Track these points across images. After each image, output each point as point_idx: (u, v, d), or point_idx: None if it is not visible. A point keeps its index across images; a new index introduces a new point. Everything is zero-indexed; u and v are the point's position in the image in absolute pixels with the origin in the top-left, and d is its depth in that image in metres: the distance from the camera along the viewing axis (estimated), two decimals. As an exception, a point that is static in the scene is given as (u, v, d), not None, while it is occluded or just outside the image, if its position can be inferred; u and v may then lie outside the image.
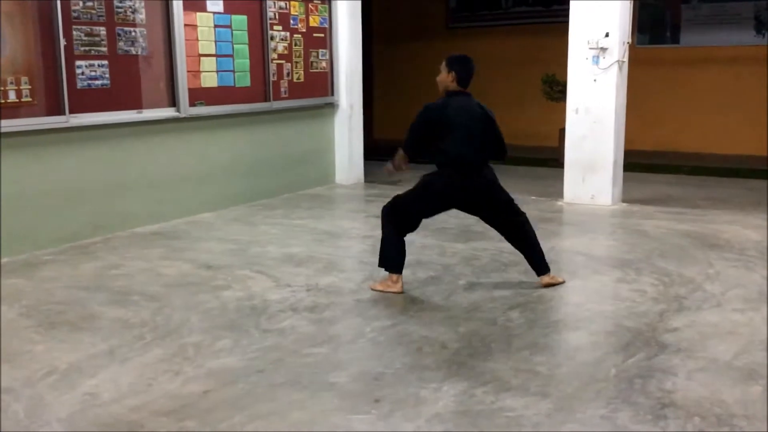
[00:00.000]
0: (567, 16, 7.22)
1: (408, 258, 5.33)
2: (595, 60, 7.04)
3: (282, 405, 3.10)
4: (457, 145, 4.45)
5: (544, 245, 5.69)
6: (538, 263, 4.72)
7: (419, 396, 3.17)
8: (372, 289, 4.63)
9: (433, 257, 5.38)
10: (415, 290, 4.63)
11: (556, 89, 9.87)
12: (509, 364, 3.49)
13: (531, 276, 4.89)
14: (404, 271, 5.01)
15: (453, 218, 6.66)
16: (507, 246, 5.62)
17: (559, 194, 7.45)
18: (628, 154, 7.47)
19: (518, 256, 5.33)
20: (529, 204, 7.27)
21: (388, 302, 4.40)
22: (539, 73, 10.41)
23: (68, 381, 3.33)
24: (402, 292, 4.55)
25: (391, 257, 4.60)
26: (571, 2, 7.14)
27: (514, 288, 4.66)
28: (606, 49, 6.98)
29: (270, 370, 3.46)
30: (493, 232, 6.07)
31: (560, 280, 4.78)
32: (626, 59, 7.08)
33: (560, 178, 7.48)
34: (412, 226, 4.67)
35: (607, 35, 6.96)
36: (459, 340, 3.79)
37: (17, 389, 3.25)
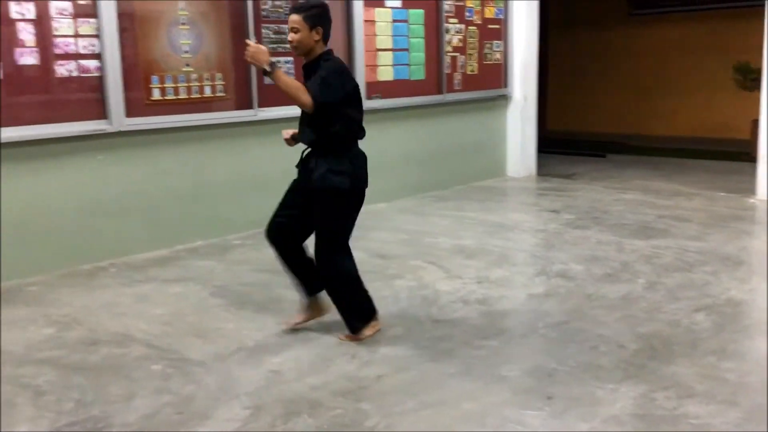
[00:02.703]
0: (764, -2, 6.68)
1: (584, 253, 5.20)
2: (797, 45, 6.46)
3: (453, 395, 3.13)
4: (360, 125, 3.67)
5: (735, 245, 5.34)
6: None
7: (595, 396, 3.08)
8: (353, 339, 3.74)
9: (610, 253, 5.19)
10: (590, 287, 4.49)
11: (749, 78, 9.16)
12: (694, 369, 3.30)
13: (719, 277, 4.59)
14: (578, 267, 4.88)
15: (630, 213, 6.39)
16: (692, 244, 5.33)
17: (752, 190, 6.92)
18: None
19: (705, 256, 5.04)
20: (717, 200, 6.83)
21: (562, 298, 4.30)
22: (729, 61, 9.71)
23: (255, 358, 3.56)
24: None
25: (363, 306, 3.77)
26: (770, -17, 6.60)
27: (700, 289, 4.39)
28: (810, 32, 6.38)
29: (441, 359, 3.49)
30: (676, 230, 5.79)
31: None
32: (834, 43, 6.44)
33: (753, 173, 6.94)
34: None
35: (812, 17, 6.36)
36: (638, 341, 3.64)
37: (209, 363, 3.51)
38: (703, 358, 3.42)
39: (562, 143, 10.88)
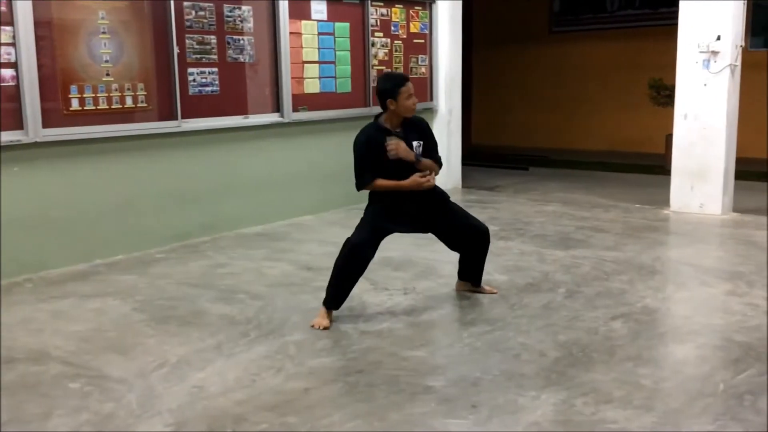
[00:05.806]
0: (675, 18, 6.98)
1: (507, 263, 5.32)
2: (706, 64, 6.77)
3: (380, 406, 3.14)
4: None
5: (649, 255, 5.55)
6: None
7: (517, 403, 3.14)
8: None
9: (532, 264, 5.32)
10: (513, 297, 4.59)
11: (663, 94, 9.56)
12: (611, 375, 3.41)
13: (635, 286, 4.76)
14: (502, 277, 4.99)
15: (551, 225, 6.57)
16: (609, 254, 5.52)
17: (666, 202, 7.20)
18: (739, 161, 7.14)
19: (621, 265, 5.22)
20: (633, 212, 7.08)
21: (486, 308, 4.38)
22: (645, 78, 10.12)
23: (178, 373, 3.49)
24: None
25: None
26: (680, 3, 6.90)
27: (617, 297, 4.54)
28: (717, 52, 6.70)
29: (368, 371, 3.51)
30: (594, 240, 5.98)
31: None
32: (739, 63, 6.78)
33: (667, 185, 7.23)
34: None
35: (718, 38, 6.68)
36: (558, 349, 3.73)
37: (130, 380, 3.42)
38: (620, 364, 3.54)
39: (486, 156, 11.09)
